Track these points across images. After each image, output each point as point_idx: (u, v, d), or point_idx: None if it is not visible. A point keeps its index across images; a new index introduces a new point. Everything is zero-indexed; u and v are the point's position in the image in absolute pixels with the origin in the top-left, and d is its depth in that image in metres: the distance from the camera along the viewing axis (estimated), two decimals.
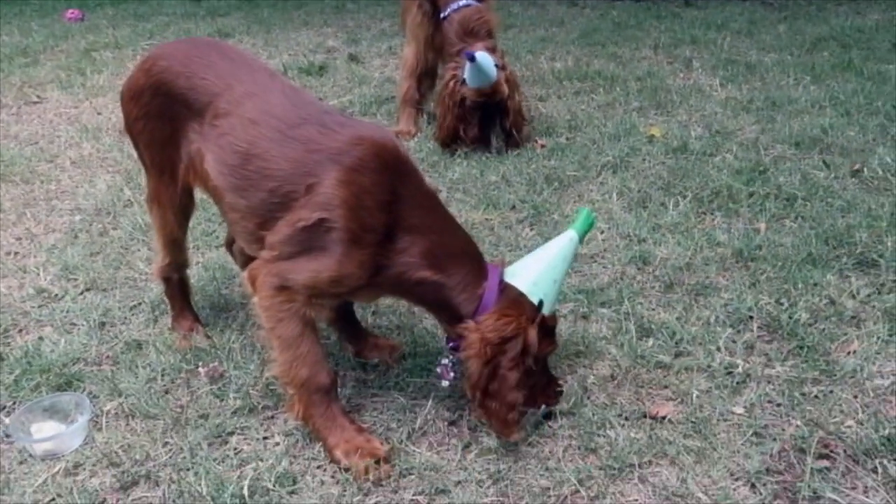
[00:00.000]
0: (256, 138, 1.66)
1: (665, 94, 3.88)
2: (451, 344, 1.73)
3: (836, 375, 1.84)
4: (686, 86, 4.05)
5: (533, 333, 1.62)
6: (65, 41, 5.76)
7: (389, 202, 1.58)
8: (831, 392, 1.80)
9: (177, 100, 1.79)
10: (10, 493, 1.61)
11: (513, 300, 1.64)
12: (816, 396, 1.80)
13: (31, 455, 1.72)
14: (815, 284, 2.18)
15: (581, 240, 1.76)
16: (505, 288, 1.66)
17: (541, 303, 1.64)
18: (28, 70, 5.00)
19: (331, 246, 1.56)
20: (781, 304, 2.12)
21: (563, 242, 1.73)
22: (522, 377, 1.62)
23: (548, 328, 1.68)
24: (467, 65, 3.06)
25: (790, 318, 2.05)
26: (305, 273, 1.58)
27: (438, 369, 1.75)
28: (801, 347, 1.95)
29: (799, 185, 2.78)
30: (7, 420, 1.80)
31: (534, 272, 1.68)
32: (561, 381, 1.80)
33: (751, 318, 2.08)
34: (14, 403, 1.88)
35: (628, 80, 4.16)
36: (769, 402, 1.79)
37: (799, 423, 1.72)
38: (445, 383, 1.75)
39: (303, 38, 5.65)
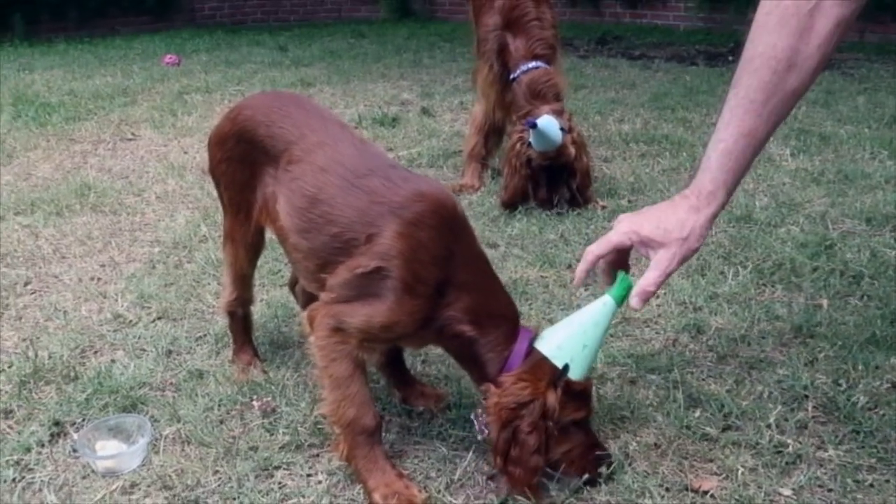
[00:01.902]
0: (324, 185, 1.77)
1: None
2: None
3: (893, 464, 1.77)
4: None
5: (552, 398, 1.62)
6: (161, 83, 6.20)
7: (443, 257, 1.65)
8: (888, 482, 1.73)
9: (257, 146, 1.93)
10: None
11: (534, 364, 1.66)
12: (871, 485, 1.73)
13: (93, 471, 1.83)
14: (877, 367, 2.11)
15: (619, 305, 1.74)
16: (531, 352, 1.68)
17: (566, 367, 1.65)
18: (126, 109, 5.40)
19: (385, 294, 1.64)
20: (839, 385, 2.05)
21: (597, 308, 1.72)
22: (543, 442, 1.63)
23: (575, 392, 1.68)
24: (531, 129, 3.15)
25: (848, 400, 1.98)
26: (360, 317, 1.66)
27: (474, 420, 1.77)
28: (858, 432, 1.89)
29: (867, 263, 2.70)
30: (76, 435, 1.92)
31: (560, 336, 1.69)
32: (606, 450, 1.78)
33: (806, 396, 2.03)
34: (83, 420, 2.00)
35: (696, 145, 4.15)
36: (819, 486, 1.74)
37: None
38: (480, 437, 1.77)
39: (379, 89, 5.91)
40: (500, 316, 1.71)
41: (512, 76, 3.39)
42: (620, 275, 1.76)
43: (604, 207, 3.35)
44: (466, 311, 1.67)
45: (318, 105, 2.14)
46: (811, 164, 3.83)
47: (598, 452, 1.74)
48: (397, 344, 1.90)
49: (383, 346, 1.83)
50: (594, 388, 1.90)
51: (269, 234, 2.11)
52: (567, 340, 1.68)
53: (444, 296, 1.66)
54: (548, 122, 3.13)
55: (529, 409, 1.62)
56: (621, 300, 1.73)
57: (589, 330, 1.69)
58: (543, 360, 1.67)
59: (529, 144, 3.23)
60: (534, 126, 3.10)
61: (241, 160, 1.97)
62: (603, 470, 1.73)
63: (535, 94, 3.29)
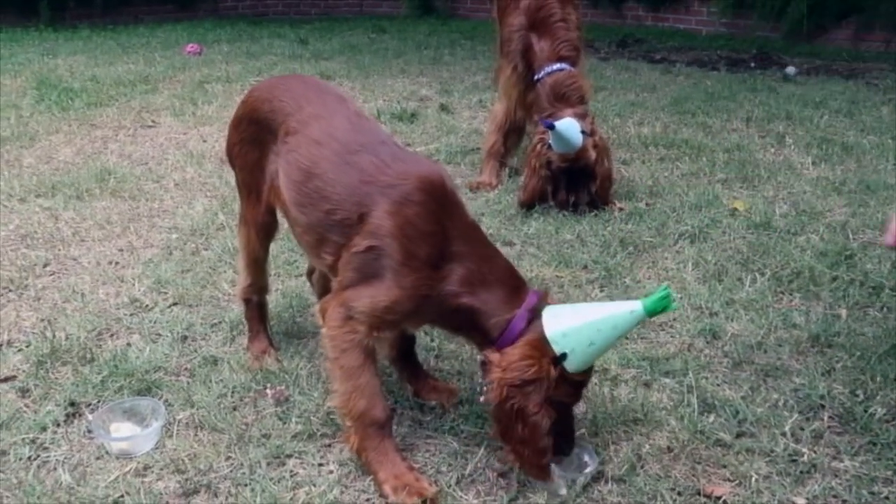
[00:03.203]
0: (318, 158, 1.80)
1: (753, 169, 3.83)
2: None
3: None
4: (776, 161, 3.98)
5: (555, 376, 1.62)
6: (182, 72, 6.23)
7: (433, 232, 1.67)
8: None
9: (263, 125, 1.97)
10: (85, 485, 1.73)
11: (538, 338, 1.64)
12: (887, 497, 1.71)
13: (107, 452, 1.85)
14: None
15: (649, 315, 1.63)
16: (533, 320, 1.66)
17: (563, 356, 1.62)
18: (147, 97, 5.44)
19: (383, 273, 1.67)
20: (856, 396, 2.03)
21: (622, 311, 1.63)
22: (549, 422, 1.63)
23: (572, 380, 1.67)
24: (549, 131, 3.13)
25: (865, 411, 1.96)
26: (364, 300, 1.68)
27: (482, 399, 1.75)
28: (875, 444, 1.87)
29: (888, 275, 2.67)
30: (91, 416, 1.94)
31: (569, 323, 1.63)
32: (574, 441, 1.77)
33: (822, 406, 2.01)
34: (99, 402, 2.02)
35: (716, 150, 4.13)
36: (834, 496, 1.72)
37: None
38: (481, 399, 1.75)
39: (398, 85, 5.91)
40: (497, 282, 1.71)
41: (536, 77, 3.38)
42: (663, 289, 1.62)
43: (621, 209, 3.34)
44: (462, 282, 1.68)
45: (321, 81, 2.16)
46: (833, 173, 3.79)
47: (565, 437, 1.73)
48: (404, 326, 1.88)
49: (391, 331, 1.81)
50: (598, 384, 1.89)
51: (285, 225, 2.12)
52: (574, 331, 1.63)
53: (440, 270, 1.67)
54: (568, 125, 3.11)
55: (536, 387, 1.61)
56: (653, 313, 1.63)
57: (604, 330, 1.63)
58: (545, 339, 1.64)
59: (550, 146, 3.22)
60: (552, 127, 3.09)
61: (252, 141, 2.01)
62: (565, 454, 1.73)
63: (559, 97, 3.28)
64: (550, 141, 3.19)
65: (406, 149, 1.92)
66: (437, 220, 1.68)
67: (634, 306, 1.62)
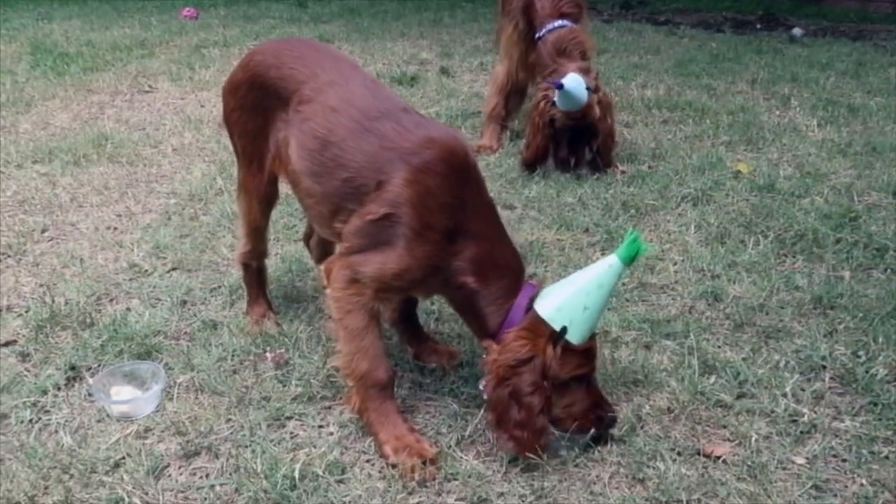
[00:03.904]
0: (335, 126, 1.74)
1: (757, 131, 3.78)
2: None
3: None
4: (780, 124, 3.93)
5: (550, 355, 1.60)
6: (179, 37, 6.14)
7: (452, 205, 1.63)
8: None
9: (268, 91, 1.90)
10: (87, 448, 1.73)
11: (534, 321, 1.63)
12: (887, 457, 1.71)
13: (108, 415, 1.85)
14: None
15: (627, 264, 1.65)
16: (531, 308, 1.66)
17: (563, 329, 1.61)
18: (144, 61, 5.36)
19: (396, 241, 1.63)
20: (858, 357, 2.03)
21: (602, 269, 1.64)
22: (547, 401, 1.62)
23: (576, 351, 1.65)
24: (557, 90, 3.08)
25: (866, 372, 1.96)
26: (373, 265, 1.65)
27: (481, 386, 1.76)
28: (875, 404, 1.86)
29: (892, 236, 2.65)
30: (91, 380, 1.94)
31: (560, 297, 1.64)
32: (615, 407, 1.78)
33: (823, 367, 2.00)
34: (99, 366, 2.02)
35: (720, 113, 4.07)
36: (834, 456, 1.72)
37: (864, 481, 1.64)
38: (485, 397, 1.74)
39: (398, 48, 5.82)
40: (504, 268, 1.69)
41: (537, 35, 3.32)
42: (631, 233, 1.65)
43: (623, 172, 3.30)
44: (472, 261, 1.65)
45: (330, 47, 2.10)
46: (838, 135, 3.74)
47: (602, 409, 1.71)
48: (409, 293, 1.87)
49: (397, 296, 1.81)
50: (600, 346, 1.88)
51: (284, 189, 2.09)
52: (566, 302, 1.63)
53: (453, 244, 1.64)
54: (574, 82, 3.06)
55: (530, 367, 1.60)
56: (629, 260, 1.64)
57: (592, 291, 1.63)
58: (542, 319, 1.63)
59: (554, 104, 3.17)
60: (560, 87, 3.03)
61: (254, 108, 1.94)
62: (611, 427, 1.72)
63: (561, 52, 3.21)
64: (556, 99, 3.14)
65: (428, 118, 1.87)
66: (457, 193, 1.64)
67: (611, 260, 1.64)
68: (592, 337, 1.71)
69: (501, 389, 1.62)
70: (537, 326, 1.63)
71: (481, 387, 1.77)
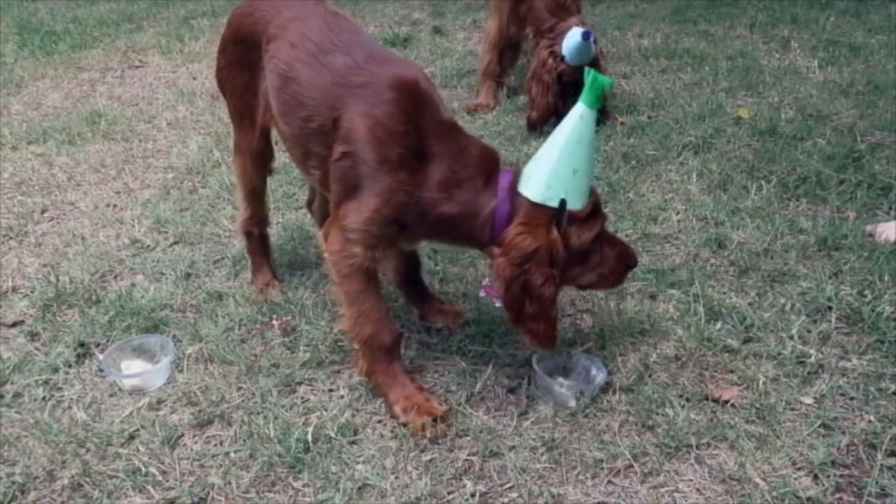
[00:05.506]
0: (293, 61, 1.73)
1: (757, 75, 3.72)
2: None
3: None
4: (781, 67, 3.86)
5: (555, 237, 1.58)
6: (166, 9, 6.03)
7: (405, 132, 1.59)
8: None
9: (249, 42, 1.90)
10: (101, 422, 1.76)
11: (527, 211, 1.59)
12: (894, 393, 1.73)
13: (119, 389, 1.87)
14: None
15: (595, 107, 1.59)
16: (516, 198, 1.61)
17: (563, 203, 1.57)
18: (132, 35, 5.28)
19: (361, 182, 1.62)
20: (864, 297, 2.02)
21: (573, 124, 1.58)
22: (557, 289, 1.63)
23: (584, 216, 1.62)
24: (571, 41, 2.99)
25: (872, 310, 1.96)
26: (352, 215, 1.64)
27: (482, 293, 1.76)
28: (882, 342, 1.87)
29: None
30: (101, 356, 1.95)
31: (544, 172, 1.58)
32: (633, 252, 1.77)
33: (829, 308, 2.00)
34: (107, 341, 2.03)
35: (719, 59, 4.00)
36: (841, 394, 1.73)
37: (872, 418, 1.66)
38: (498, 304, 1.73)
39: (390, 9, 5.71)
40: (471, 177, 1.63)
41: None
42: (589, 74, 1.58)
43: (623, 124, 3.26)
44: (440, 187, 1.61)
45: None
46: (840, 75, 3.68)
47: (627, 256, 1.74)
48: (397, 243, 1.78)
49: (385, 248, 1.72)
50: (598, 296, 1.88)
51: (283, 158, 2.07)
52: (552, 174, 1.58)
53: (417, 173, 1.60)
54: (591, 34, 2.99)
55: (536, 259, 1.58)
56: (596, 102, 1.58)
57: (574, 151, 1.58)
58: (536, 205, 1.59)
59: (562, 58, 3.09)
60: (587, 36, 2.95)
61: (240, 63, 1.95)
62: (636, 265, 1.76)
63: (560, 6, 3.14)
64: (565, 52, 3.06)
65: (385, 48, 1.83)
66: (410, 120, 1.60)
67: (580, 110, 1.58)
68: (592, 191, 1.66)
69: (514, 287, 1.61)
70: (534, 214, 1.60)
71: (482, 294, 1.77)
